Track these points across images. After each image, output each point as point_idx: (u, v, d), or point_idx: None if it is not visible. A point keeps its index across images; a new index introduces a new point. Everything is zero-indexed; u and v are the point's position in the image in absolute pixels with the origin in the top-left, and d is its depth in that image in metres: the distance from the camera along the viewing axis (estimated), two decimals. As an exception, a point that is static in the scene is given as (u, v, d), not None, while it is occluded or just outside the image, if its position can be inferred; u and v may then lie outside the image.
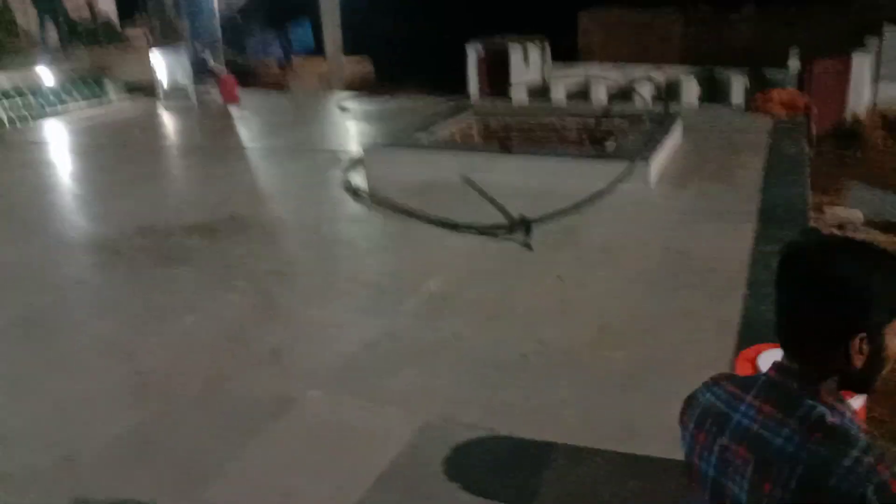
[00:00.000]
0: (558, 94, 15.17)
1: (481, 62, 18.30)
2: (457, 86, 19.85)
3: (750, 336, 2.10)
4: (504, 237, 2.96)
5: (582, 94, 17.06)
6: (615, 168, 3.69)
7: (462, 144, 4.28)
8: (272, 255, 2.81)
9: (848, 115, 13.85)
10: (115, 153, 5.12)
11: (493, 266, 2.69)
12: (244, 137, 5.41)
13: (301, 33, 16.86)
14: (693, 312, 2.25)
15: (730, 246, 2.80)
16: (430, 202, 3.56)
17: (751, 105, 6.16)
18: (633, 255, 2.74)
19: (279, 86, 16.09)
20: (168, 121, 6.63)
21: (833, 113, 13.04)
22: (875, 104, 14.30)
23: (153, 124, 6.40)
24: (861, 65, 13.77)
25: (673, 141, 4.14)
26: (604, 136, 4.47)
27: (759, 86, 15.40)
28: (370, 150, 4.18)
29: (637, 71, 16.82)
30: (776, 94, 6.02)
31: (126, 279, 2.83)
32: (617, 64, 17.54)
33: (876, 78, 13.96)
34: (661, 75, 16.54)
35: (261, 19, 17.04)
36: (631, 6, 21.15)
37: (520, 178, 3.83)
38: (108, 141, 5.74)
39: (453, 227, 3.05)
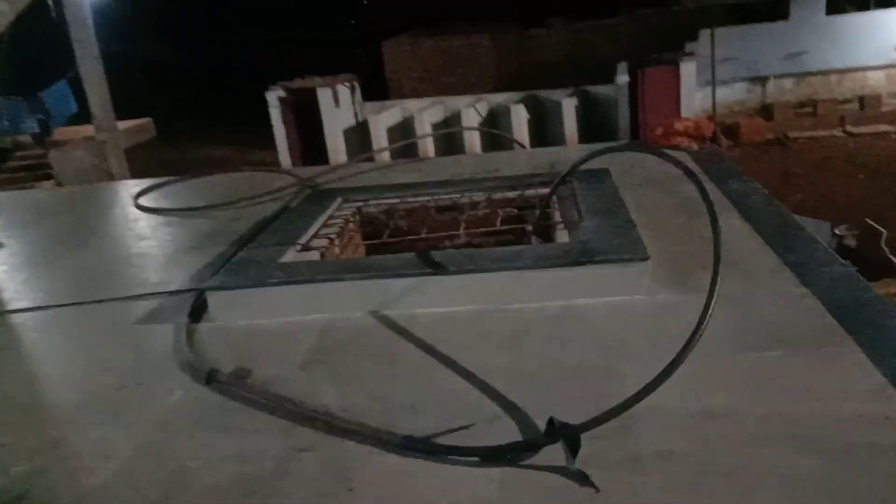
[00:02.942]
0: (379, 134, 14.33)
1: (286, 109, 17.04)
2: (262, 137, 18.41)
3: None
4: (527, 464, 1.80)
5: (401, 130, 16.43)
6: (600, 275, 2.69)
7: (364, 263, 3.04)
8: None
9: (684, 125, 14.37)
10: None
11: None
12: (5, 288, 3.75)
13: (58, 97, 14.71)
14: None
15: (874, 410, 1.86)
16: (344, 380, 2.32)
17: (648, 139, 5.52)
18: (752, 470, 1.71)
19: (42, 169, 13.68)
20: None
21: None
22: (712, 109, 15.01)
23: None
24: (689, 72, 14.41)
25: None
26: (539, 216, 3.47)
27: (587, 105, 15.65)
28: (218, 293, 2.85)
29: (458, 102, 16.51)
30: (679, 124, 5.44)
31: None
32: (435, 98, 17.19)
33: (713, 82, 14.69)
34: (484, 105, 16.36)
35: (5, 88, 14.57)
36: (435, 32, 21.06)
37: (466, 309, 2.71)
38: None
39: (427, 450, 1.85)
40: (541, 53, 18.81)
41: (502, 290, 2.71)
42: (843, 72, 15.55)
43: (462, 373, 2.27)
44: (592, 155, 3.28)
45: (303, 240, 3.33)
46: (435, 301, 2.73)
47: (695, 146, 5.29)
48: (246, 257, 3.12)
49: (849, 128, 14.12)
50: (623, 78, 14.34)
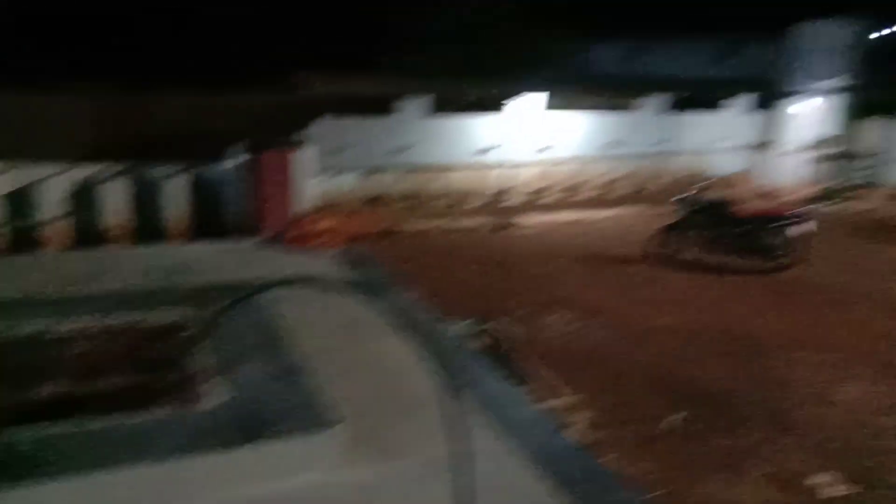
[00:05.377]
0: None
1: None
2: None
3: None
4: None
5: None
6: (276, 455, 2.02)
7: None
8: None
9: (297, 212, 14.23)
10: None
11: None
12: None
13: None
14: None
15: None
16: None
17: (283, 237, 5.01)
18: None
19: None
20: None
21: (283, 211, 13.13)
22: (326, 200, 15.13)
23: None
24: (306, 159, 14.37)
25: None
26: (177, 363, 2.59)
27: (198, 186, 14.58)
28: None
29: (38, 172, 14.09)
30: (322, 221, 5.01)
31: None
32: (7, 163, 14.44)
33: (327, 172, 14.83)
34: (74, 177, 14.21)
35: None
36: (15, 81, 18.00)
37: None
38: None
39: None
40: (150, 123, 17.28)
41: (132, 497, 1.83)
42: (439, 169, 17.31)
43: None
44: (250, 294, 2.59)
45: None
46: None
47: (339, 246, 4.93)
48: None
49: (447, 222, 15.59)
50: (238, 160, 13.72)
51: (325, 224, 5.05)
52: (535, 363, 6.48)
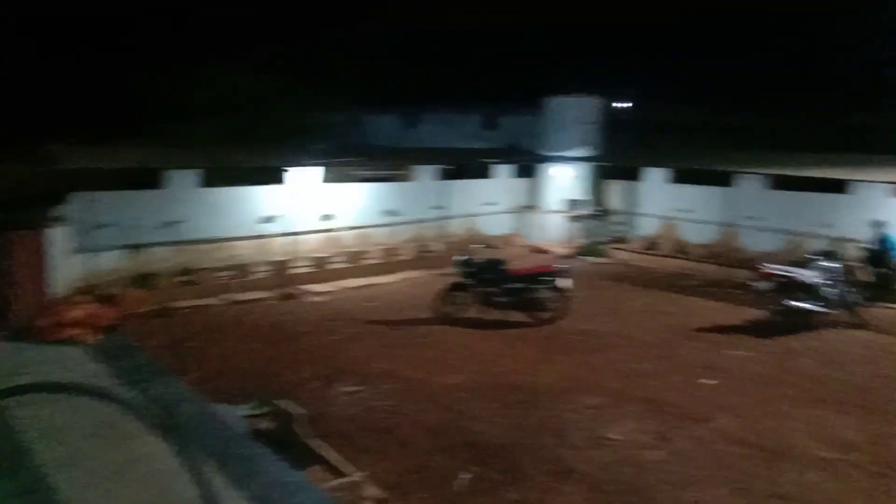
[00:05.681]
0: None
1: None
2: None
3: None
4: None
5: None
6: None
7: None
8: None
9: (53, 295, 12.90)
10: None
11: None
12: None
13: None
14: None
15: None
16: None
17: (34, 327, 4.49)
18: None
19: None
20: None
21: (34, 298, 11.87)
22: (89, 279, 13.76)
23: None
24: (59, 238, 13.07)
25: None
26: None
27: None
28: None
29: None
30: (74, 310, 4.54)
31: None
32: None
33: (88, 250, 13.45)
34: None
35: None
36: None
37: None
38: None
39: None
40: None
41: None
42: (217, 241, 16.61)
43: None
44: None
45: None
46: None
47: (90, 338, 4.49)
48: None
49: (229, 295, 14.95)
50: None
51: (83, 310, 4.58)
52: (320, 442, 6.24)
